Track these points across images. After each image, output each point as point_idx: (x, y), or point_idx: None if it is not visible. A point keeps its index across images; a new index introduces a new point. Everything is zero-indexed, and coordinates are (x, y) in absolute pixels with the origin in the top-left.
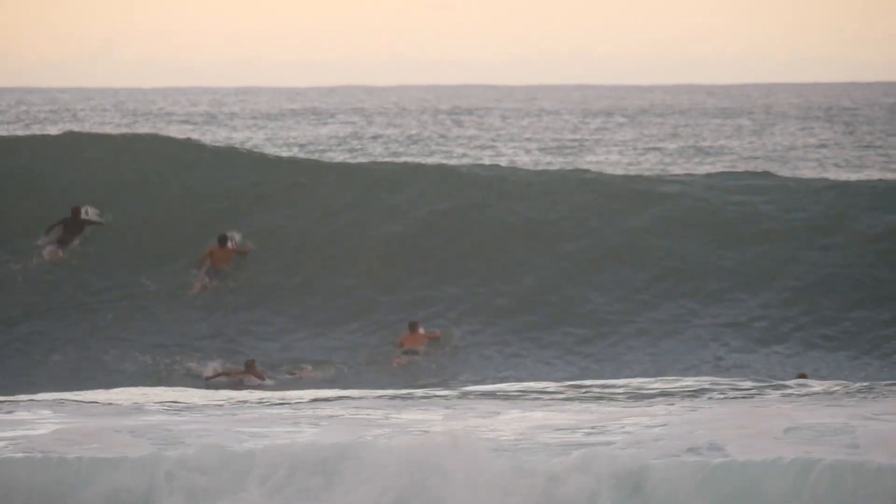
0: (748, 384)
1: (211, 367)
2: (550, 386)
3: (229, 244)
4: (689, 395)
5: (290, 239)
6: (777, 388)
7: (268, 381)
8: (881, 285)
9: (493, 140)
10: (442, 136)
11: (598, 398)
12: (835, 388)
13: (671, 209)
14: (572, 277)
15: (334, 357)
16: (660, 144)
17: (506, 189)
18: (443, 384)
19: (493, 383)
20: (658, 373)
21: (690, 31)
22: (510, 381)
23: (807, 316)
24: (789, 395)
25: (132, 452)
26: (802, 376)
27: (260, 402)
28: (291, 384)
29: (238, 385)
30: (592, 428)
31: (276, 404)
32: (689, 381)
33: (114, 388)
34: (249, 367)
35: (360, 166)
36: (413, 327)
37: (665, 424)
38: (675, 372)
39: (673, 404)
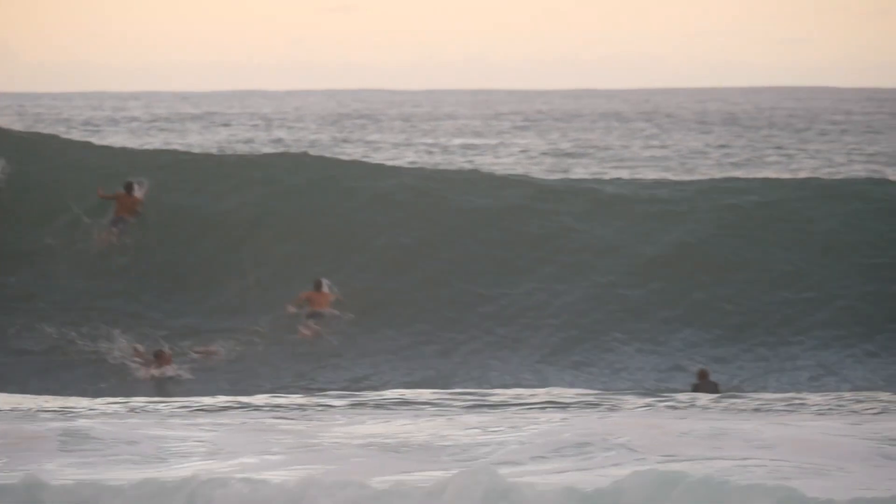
0: (636, 399)
1: (130, 348)
2: (445, 395)
3: (136, 192)
4: (584, 406)
5: (182, 211)
6: (665, 399)
7: (182, 374)
8: (732, 258)
9: (396, 144)
10: (344, 140)
11: (494, 406)
12: (714, 405)
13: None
14: (455, 237)
15: (239, 322)
16: (560, 147)
17: (379, 170)
18: (347, 369)
19: (397, 364)
20: (557, 336)
21: (588, 36)
22: (412, 360)
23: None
24: (676, 406)
25: (8, 477)
26: (703, 374)
27: (157, 410)
28: (201, 370)
29: (151, 374)
30: (487, 438)
31: (176, 412)
32: (572, 393)
33: (21, 374)
34: (159, 356)
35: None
36: (318, 285)
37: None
38: (572, 334)
39: (567, 414)
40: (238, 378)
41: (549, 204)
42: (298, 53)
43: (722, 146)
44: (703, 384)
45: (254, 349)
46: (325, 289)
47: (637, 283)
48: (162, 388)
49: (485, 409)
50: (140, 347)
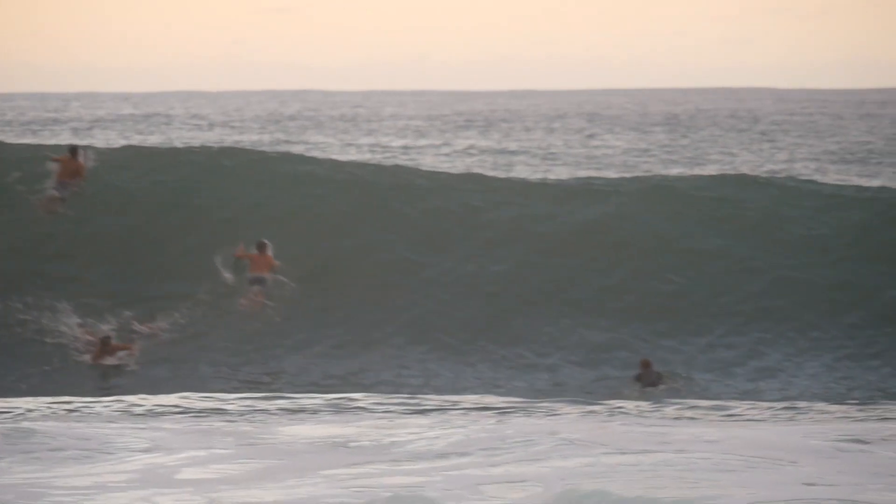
0: (564, 406)
1: (79, 332)
2: (381, 399)
3: (80, 157)
4: (519, 412)
5: (118, 185)
6: (601, 403)
7: (128, 363)
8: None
9: (338, 145)
10: (286, 141)
11: (433, 410)
12: (653, 412)
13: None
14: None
15: (182, 287)
16: (503, 146)
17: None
18: (291, 350)
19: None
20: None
21: (529, 37)
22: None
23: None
24: (613, 413)
25: None
26: (646, 363)
27: (100, 413)
28: (144, 357)
29: (98, 360)
30: (433, 434)
31: (117, 415)
32: (501, 400)
33: None
34: (105, 344)
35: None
36: (261, 247)
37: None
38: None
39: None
40: (179, 366)
41: (484, 184)
42: (240, 54)
43: (664, 146)
44: (646, 374)
45: (195, 326)
46: (269, 252)
47: (571, 253)
48: (106, 376)
49: (427, 413)
50: (88, 333)
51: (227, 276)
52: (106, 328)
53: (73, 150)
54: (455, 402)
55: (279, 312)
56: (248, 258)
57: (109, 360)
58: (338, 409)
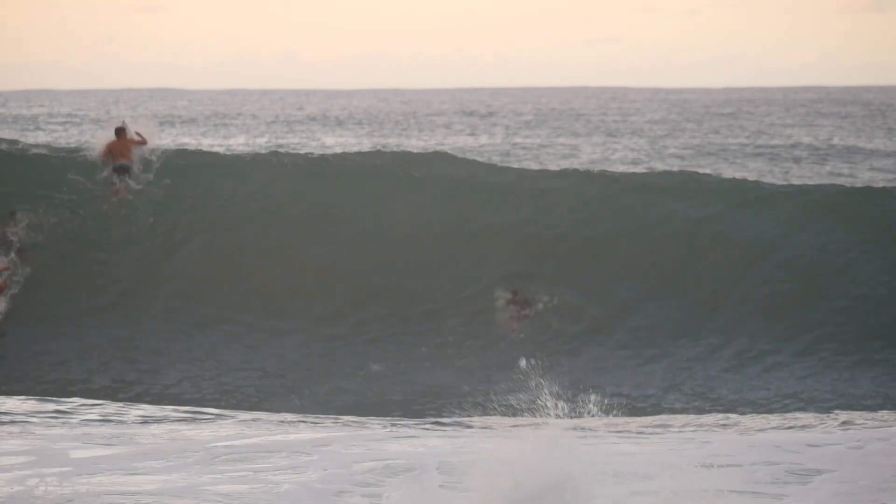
0: (424, 421)
1: None
2: (334, 419)
3: None
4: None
5: None
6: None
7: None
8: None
9: (208, 145)
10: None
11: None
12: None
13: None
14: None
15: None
16: (378, 140)
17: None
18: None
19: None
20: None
21: (393, 36)
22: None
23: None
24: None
25: None
26: (514, 292)
27: None
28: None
29: None
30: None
31: None
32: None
33: None
34: None
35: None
36: (119, 132)
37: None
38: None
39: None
40: (29, 345)
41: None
42: (107, 52)
43: (542, 144)
44: (516, 300)
45: (66, 220)
46: (132, 135)
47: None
48: None
49: (292, 425)
50: None
51: (81, 178)
52: None
53: None
54: (279, 418)
55: (150, 215)
56: (109, 150)
57: None
58: (196, 419)
